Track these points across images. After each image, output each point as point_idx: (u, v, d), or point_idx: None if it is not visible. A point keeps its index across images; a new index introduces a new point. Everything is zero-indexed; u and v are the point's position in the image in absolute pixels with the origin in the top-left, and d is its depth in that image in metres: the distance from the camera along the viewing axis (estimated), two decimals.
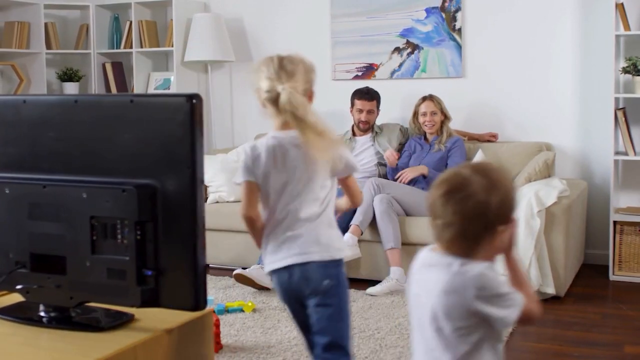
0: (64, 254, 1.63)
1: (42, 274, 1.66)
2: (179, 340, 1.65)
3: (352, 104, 4.74)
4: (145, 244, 1.57)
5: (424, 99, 4.58)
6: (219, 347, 2.99)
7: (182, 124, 1.54)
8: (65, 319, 1.67)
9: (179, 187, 1.56)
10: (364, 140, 4.75)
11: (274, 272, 2.13)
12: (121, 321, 1.65)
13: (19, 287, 1.68)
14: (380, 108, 4.78)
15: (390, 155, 4.51)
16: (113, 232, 1.58)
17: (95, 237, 1.60)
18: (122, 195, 1.56)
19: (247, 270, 4.11)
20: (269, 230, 2.12)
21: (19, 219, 1.67)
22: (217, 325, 2.96)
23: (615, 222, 4.31)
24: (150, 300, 1.59)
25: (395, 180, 4.40)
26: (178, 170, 1.55)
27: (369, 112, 4.70)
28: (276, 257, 2.11)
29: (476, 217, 1.52)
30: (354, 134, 4.81)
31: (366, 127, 4.74)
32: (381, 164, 4.67)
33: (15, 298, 1.76)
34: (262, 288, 4.07)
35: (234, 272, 4.14)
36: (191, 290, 1.57)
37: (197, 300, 1.58)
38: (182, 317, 1.67)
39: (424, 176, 4.39)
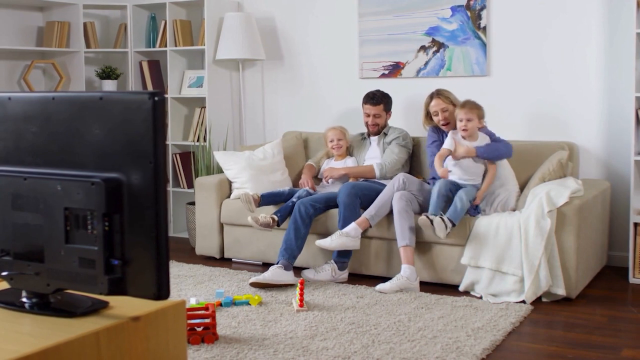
0: (42, 243, 1.72)
1: (24, 262, 1.75)
2: (146, 329, 1.70)
3: (362, 107, 4.82)
4: (112, 234, 1.64)
5: (432, 96, 4.43)
6: (214, 338, 3.04)
7: (145, 120, 1.61)
8: (44, 305, 1.76)
9: (143, 181, 1.62)
10: (375, 139, 4.83)
11: None
12: (92, 308, 1.74)
13: (4, 273, 1.79)
14: (391, 110, 4.81)
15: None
16: (84, 223, 1.66)
17: (68, 228, 1.68)
18: (91, 188, 1.64)
19: (261, 276, 4.03)
20: None
21: (3, 210, 1.77)
22: (213, 317, 3.02)
23: (635, 224, 4.21)
24: (117, 288, 1.65)
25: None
26: (141, 164, 1.62)
27: (375, 116, 4.75)
28: None
29: None
30: (369, 135, 4.87)
31: (375, 129, 4.78)
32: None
33: (3, 284, 1.88)
34: (283, 286, 4.03)
35: (250, 281, 4.04)
36: (154, 280, 1.63)
37: (160, 289, 1.63)
38: (154, 306, 1.74)
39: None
